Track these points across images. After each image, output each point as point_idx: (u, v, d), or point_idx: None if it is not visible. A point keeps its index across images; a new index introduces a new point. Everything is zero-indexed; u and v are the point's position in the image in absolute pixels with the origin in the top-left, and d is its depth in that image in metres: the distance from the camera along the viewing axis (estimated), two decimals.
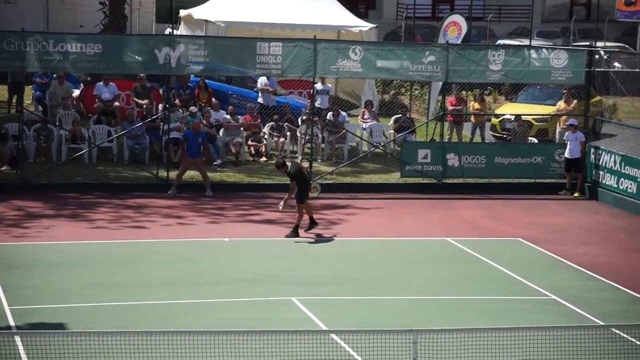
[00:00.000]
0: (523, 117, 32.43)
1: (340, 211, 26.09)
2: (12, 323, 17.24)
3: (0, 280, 19.42)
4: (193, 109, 29.96)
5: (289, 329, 16.65)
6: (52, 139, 29.09)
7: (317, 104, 31.14)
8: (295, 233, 23.05)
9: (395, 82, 37.57)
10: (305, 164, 28.11)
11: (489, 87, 36.85)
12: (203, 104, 31.22)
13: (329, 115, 31.34)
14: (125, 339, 15.67)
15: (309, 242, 23.03)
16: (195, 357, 15.18)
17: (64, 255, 21.57)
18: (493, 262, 21.90)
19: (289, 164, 23.56)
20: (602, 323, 18.05)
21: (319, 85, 31.34)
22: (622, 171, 27.63)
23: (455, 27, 33.70)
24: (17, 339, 16.02)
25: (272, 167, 28.23)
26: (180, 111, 30.34)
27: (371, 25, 37.78)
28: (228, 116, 30.49)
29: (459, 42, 32.34)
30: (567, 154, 28.61)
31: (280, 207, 23.17)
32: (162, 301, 18.72)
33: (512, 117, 33.14)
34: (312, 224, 23.34)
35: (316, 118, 30.37)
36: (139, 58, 28.08)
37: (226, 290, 19.43)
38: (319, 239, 23.30)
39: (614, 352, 16.37)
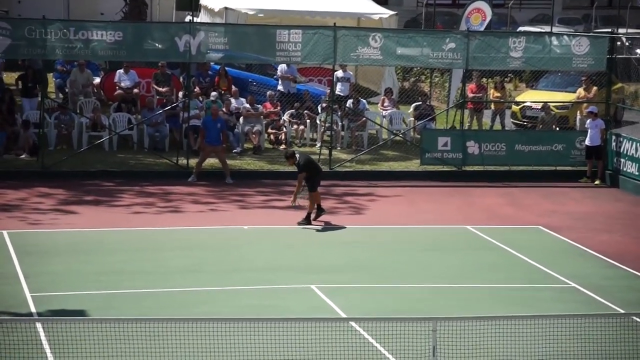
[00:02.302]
0: (549, 104, 32.39)
1: (360, 199, 26.14)
2: (33, 309, 17.41)
3: (21, 266, 19.60)
4: (215, 94, 29.97)
5: (308, 316, 16.71)
6: (72, 126, 29.21)
7: (337, 91, 31.20)
8: (307, 221, 23.10)
9: (415, 69, 37.51)
10: (325, 152, 28.25)
11: (509, 75, 36.83)
12: (223, 92, 31.25)
13: (349, 102, 31.36)
14: (145, 325, 15.75)
15: (327, 230, 23.08)
16: (214, 345, 15.24)
17: (84, 242, 21.69)
18: (513, 250, 21.92)
19: (297, 155, 23.62)
20: (622, 311, 18.10)
21: (339, 73, 31.34)
22: None
23: (478, 13, 33.75)
24: (39, 325, 16.14)
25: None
26: (200, 99, 30.40)
27: (391, 13, 37.78)
28: (248, 105, 30.54)
29: (482, 29, 32.37)
30: (587, 142, 28.59)
31: (294, 203, 23.26)
32: (181, 288, 18.84)
33: (533, 105, 33.13)
34: (320, 210, 23.36)
35: (336, 106, 30.44)
36: (160, 46, 28.16)
37: (246, 277, 19.50)
38: (338, 227, 23.35)
39: (634, 340, 16.40)
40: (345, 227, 23.37)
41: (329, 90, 31.13)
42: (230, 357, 15.18)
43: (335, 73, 30.79)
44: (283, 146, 29.95)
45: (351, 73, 32.49)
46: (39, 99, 29.61)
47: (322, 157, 28.03)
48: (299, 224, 23.08)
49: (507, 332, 15.79)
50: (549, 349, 15.91)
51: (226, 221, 23.60)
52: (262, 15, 34.56)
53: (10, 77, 33.54)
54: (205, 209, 24.65)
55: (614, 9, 53.30)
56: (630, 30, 46.44)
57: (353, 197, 26.27)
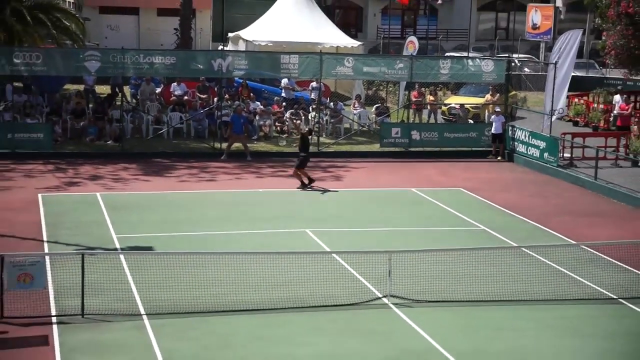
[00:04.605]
0: (465, 105, 32.58)
1: (339, 170, 26.17)
2: (117, 246, 17.54)
3: (109, 217, 19.71)
4: (237, 103, 30.03)
5: (304, 250, 16.89)
6: (142, 122, 29.22)
7: (313, 96, 31.44)
8: (303, 186, 23.16)
9: (376, 82, 37.48)
10: (314, 138, 28.27)
11: (440, 85, 36.83)
12: (244, 98, 31.27)
13: (331, 104, 31.39)
14: (194, 257, 15.93)
15: (317, 192, 23.13)
16: (239, 270, 15.38)
17: (152, 200, 21.75)
18: (443, 205, 22.04)
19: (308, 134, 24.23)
20: (515, 245, 18.26)
21: (314, 84, 31.45)
22: (530, 142, 27.69)
23: (412, 44, 34.05)
24: (122, 256, 16.32)
25: (292, 140, 28.31)
26: (228, 103, 30.42)
27: (359, 43, 37.79)
28: (261, 106, 30.59)
29: (415, 54, 32.56)
30: (493, 130, 28.69)
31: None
32: (217, 232, 18.94)
33: (457, 106, 33.20)
34: (310, 181, 23.30)
35: (322, 106, 30.48)
36: (201, 66, 28.10)
37: (261, 225, 19.61)
38: (324, 189, 23.39)
39: (522, 264, 16.72)
40: (329, 190, 23.41)
41: (313, 96, 31.16)
42: (250, 278, 15.34)
43: (310, 84, 31.14)
44: (285, 134, 30.00)
45: (322, 84, 32.01)
46: (119, 103, 29.72)
47: (312, 141, 27.98)
48: (298, 188, 23.17)
49: (439, 260, 16.01)
50: (466, 270, 16.10)
51: (247, 186, 23.63)
52: (270, 44, 34.47)
53: (100, 89, 33.43)
54: (233, 178, 24.65)
55: (510, 40, 53.41)
56: (520, 55, 46.46)
57: (334, 169, 26.29)
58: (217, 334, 13.27)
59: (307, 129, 24.98)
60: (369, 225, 19.83)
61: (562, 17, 56.92)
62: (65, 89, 33.44)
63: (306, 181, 23.21)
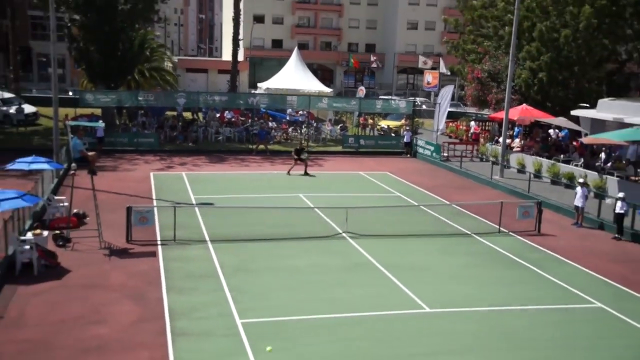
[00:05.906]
0: (390, 126, 32.48)
1: (319, 162, 26.01)
2: (194, 202, 17.36)
3: (190, 186, 19.53)
4: (262, 121, 29.78)
5: (298, 206, 16.81)
6: (209, 133, 28.86)
7: (300, 119, 31.40)
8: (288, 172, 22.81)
9: (340, 111, 37.31)
10: (305, 143, 28.08)
11: (376, 114, 36.76)
12: (266, 120, 30.98)
13: (315, 124, 31.23)
14: (237, 209, 15.78)
15: (305, 174, 23.00)
16: (261, 216, 15.27)
17: (214, 177, 21.54)
18: (376, 181, 21.99)
19: (299, 147, 23.46)
20: (416, 203, 18.27)
21: (301, 112, 31.30)
22: (425, 147, 27.68)
23: (361, 91, 34.01)
24: (196, 208, 16.19)
25: (295, 144, 28.12)
26: (257, 122, 30.18)
27: (331, 90, 37.39)
28: (275, 125, 30.39)
29: (363, 96, 32.40)
30: (405, 140, 28.63)
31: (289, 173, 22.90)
32: (249, 195, 18.74)
33: (386, 126, 33.11)
34: (289, 171, 22.82)
35: (309, 125, 30.29)
36: (241, 102, 27.94)
37: (274, 191, 19.47)
38: (310, 173, 23.25)
39: (419, 214, 16.64)
40: (312, 174, 23.30)
41: (301, 119, 30.99)
42: (267, 220, 15.25)
43: (299, 112, 31.13)
44: (289, 140, 29.78)
45: (306, 112, 31.38)
46: (196, 122, 29.44)
47: (303, 144, 27.85)
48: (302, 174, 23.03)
49: (373, 212, 16.01)
50: (389, 217, 16.11)
51: (266, 170, 23.45)
52: (281, 89, 34.16)
53: (185, 114, 33.12)
54: (259, 165, 24.46)
55: (415, 90, 53.20)
56: (420, 99, 46.48)
57: (317, 160, 26.12)
58: (249, 252, 13.29)
59: (301, 147, 24.17)
60: (336, 192, 19.78)
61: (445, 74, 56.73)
62: (166, 114, 33.05)
63: (292, 169, 22.90)
